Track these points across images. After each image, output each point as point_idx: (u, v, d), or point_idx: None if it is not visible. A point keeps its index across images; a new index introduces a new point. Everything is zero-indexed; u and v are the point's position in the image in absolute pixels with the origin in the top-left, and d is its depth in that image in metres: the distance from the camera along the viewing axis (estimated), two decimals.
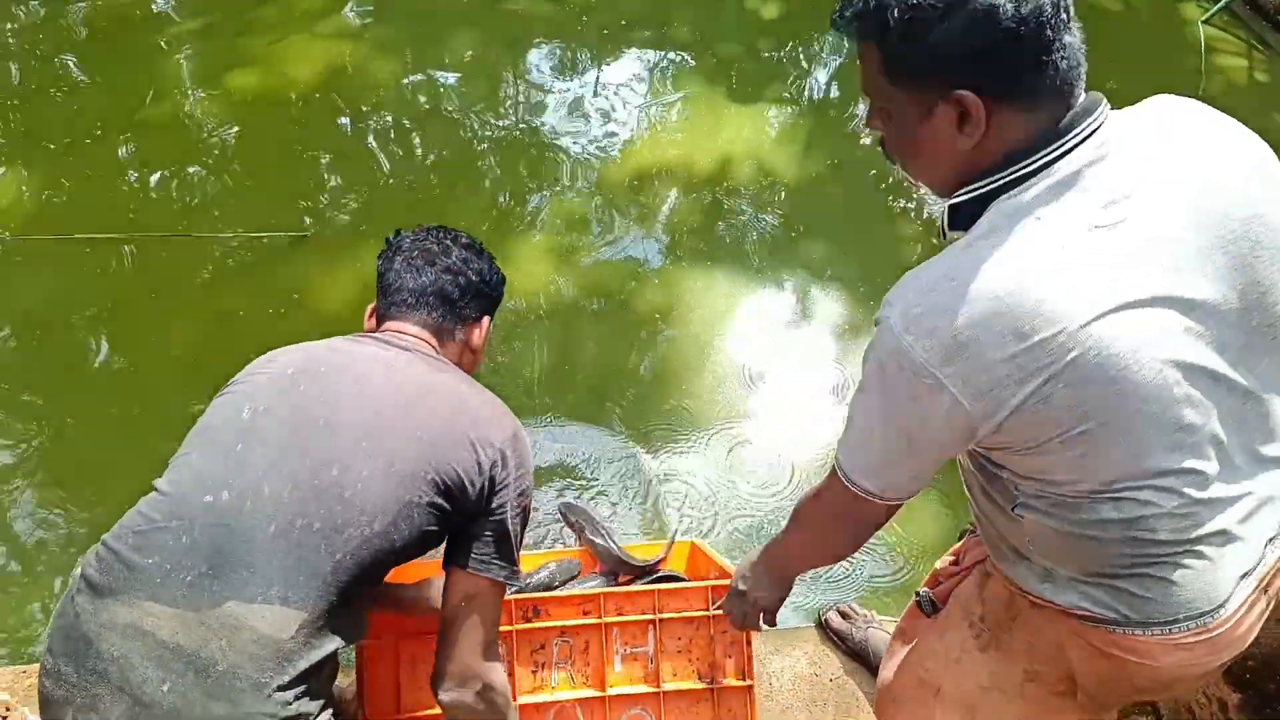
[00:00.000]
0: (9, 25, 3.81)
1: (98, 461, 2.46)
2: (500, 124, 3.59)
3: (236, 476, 1.19)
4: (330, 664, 1.21)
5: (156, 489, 1.23)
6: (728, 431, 2.63)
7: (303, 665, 1.15)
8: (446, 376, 1.37)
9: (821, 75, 3.96)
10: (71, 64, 3.66)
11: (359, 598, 1.25)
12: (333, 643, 1.19)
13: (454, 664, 1.30)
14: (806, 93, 3.85)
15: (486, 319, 1.53)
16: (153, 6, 3.95)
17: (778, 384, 2.76)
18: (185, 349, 2.70)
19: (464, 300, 1.47)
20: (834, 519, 1.17)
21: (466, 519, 1.30)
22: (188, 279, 2.89)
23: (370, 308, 1.51)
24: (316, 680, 1.18)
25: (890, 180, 3.39)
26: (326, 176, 3.32)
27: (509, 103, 3.69)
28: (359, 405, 1.27)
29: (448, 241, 1.50)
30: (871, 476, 1.06)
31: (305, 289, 2.87)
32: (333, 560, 1.18)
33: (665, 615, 1.68)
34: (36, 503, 2.38)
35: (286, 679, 1.13)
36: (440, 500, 1.26)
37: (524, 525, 1.37)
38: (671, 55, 3.95)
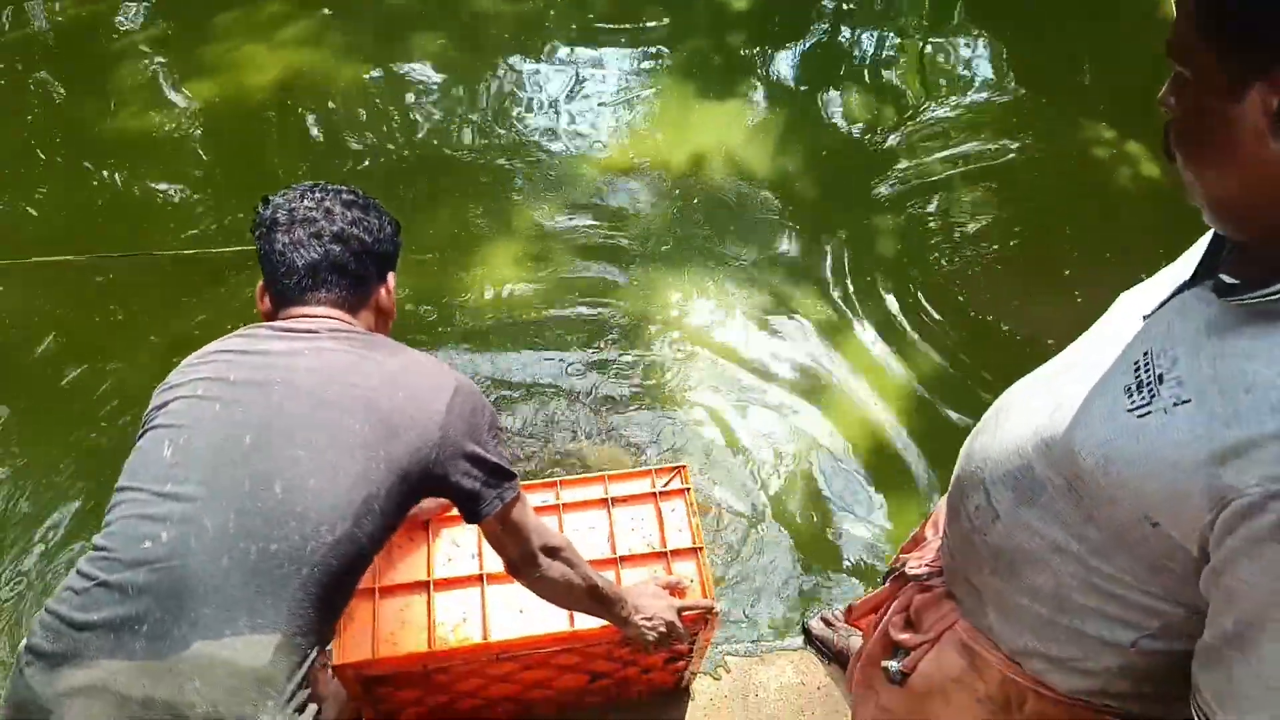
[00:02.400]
0: None
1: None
2: (468, 127, 3.52)
3: (173, 515, 1.12)
4: (312, 668, 1.17)
5: (95, 545, 1.16)
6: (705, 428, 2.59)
7: (285, 684, 1.11)
8: (370, 354, 1.27)
9: (790, 68, 3.91)
10: (30, 81, 3.57)
11: (337, 601, 1.20)
12: (314, 650, 1.15)
13: (523, 555, 1.37)
14: (777, 85, 3.81)
15: (391, 274, 1.44)
16: (114, 20, 3.85)
17: (757, 388, 2.72)
18: (146, 371, 2.61)
19: (361, 266, 1.36)
20: None
21: (440, 480, 1.25)
22: (147, 296, 2.82)
23: (260, 286, 1.39)
24: (302, 688, 1.14)
25: (865, 171, 3.34)
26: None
27: (476, 105, 3.63)
28: (286, 411, 1.19)
29: (327, 203, 1.36)
30: None
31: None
32: (299, 577, 1.12)
33: (615, 495, 1.82)
34: None
35: (271, 702, 1.08)
36: (400, 483, 1.21)
37: (500, 441, 1.36)
38: (645, 50, 3.90)
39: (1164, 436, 0.77)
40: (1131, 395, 0.82)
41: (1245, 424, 0.71)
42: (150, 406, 1.26)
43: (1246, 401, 0.71)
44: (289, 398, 1.20)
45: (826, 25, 4.16)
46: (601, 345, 2.81)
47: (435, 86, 3.65)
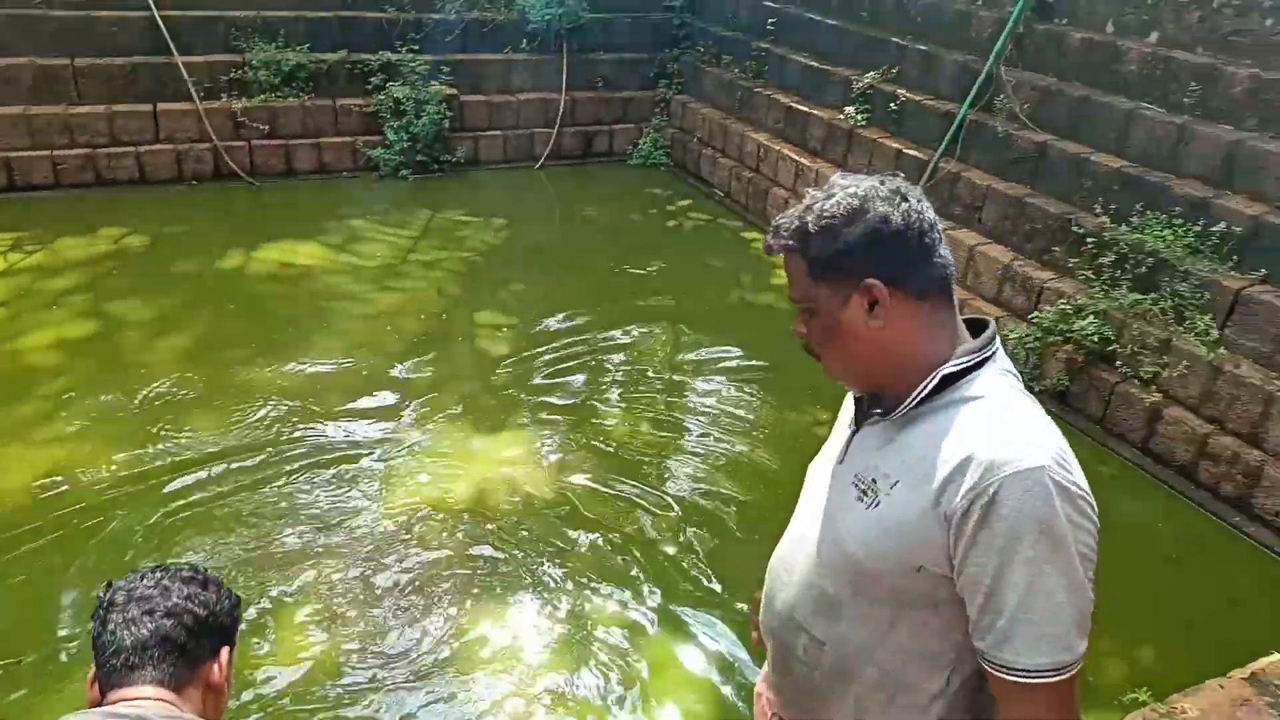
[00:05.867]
0: None
1: None
2: (233, 497, 3.87)
3: None
4: None
5: None
6: None
7: None
8: None
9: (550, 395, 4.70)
10: None
11: None
12: None
13: None
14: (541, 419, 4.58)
15: (225, 649, 1.41)
16: None
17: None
18: None
19: (194, 641, 1.35)
20: None
21: None
22: None
23: (90, 676, 1.37)
24: None
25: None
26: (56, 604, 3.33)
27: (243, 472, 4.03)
28: None
29: (165, 582, 1.38)
30: (1080, 639, 1.15)
31: None
32: None
33: None
34: None
35: None
36: None
37: None
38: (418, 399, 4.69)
39: (897, 510, 1.23)
40: (863, 500, 1.28)
41: (936, 475, 1.19)
42: None
43: (928, 463, 1.20)
44: None
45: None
46: None
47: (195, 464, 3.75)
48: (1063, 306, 5.03)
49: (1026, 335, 5.16)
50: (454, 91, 8.12)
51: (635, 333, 5.66)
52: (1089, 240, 5.09)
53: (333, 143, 7.85)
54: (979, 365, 1.26)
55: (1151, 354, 4.66)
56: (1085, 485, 1.18)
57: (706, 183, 8.41)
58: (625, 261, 6.75)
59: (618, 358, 5.39)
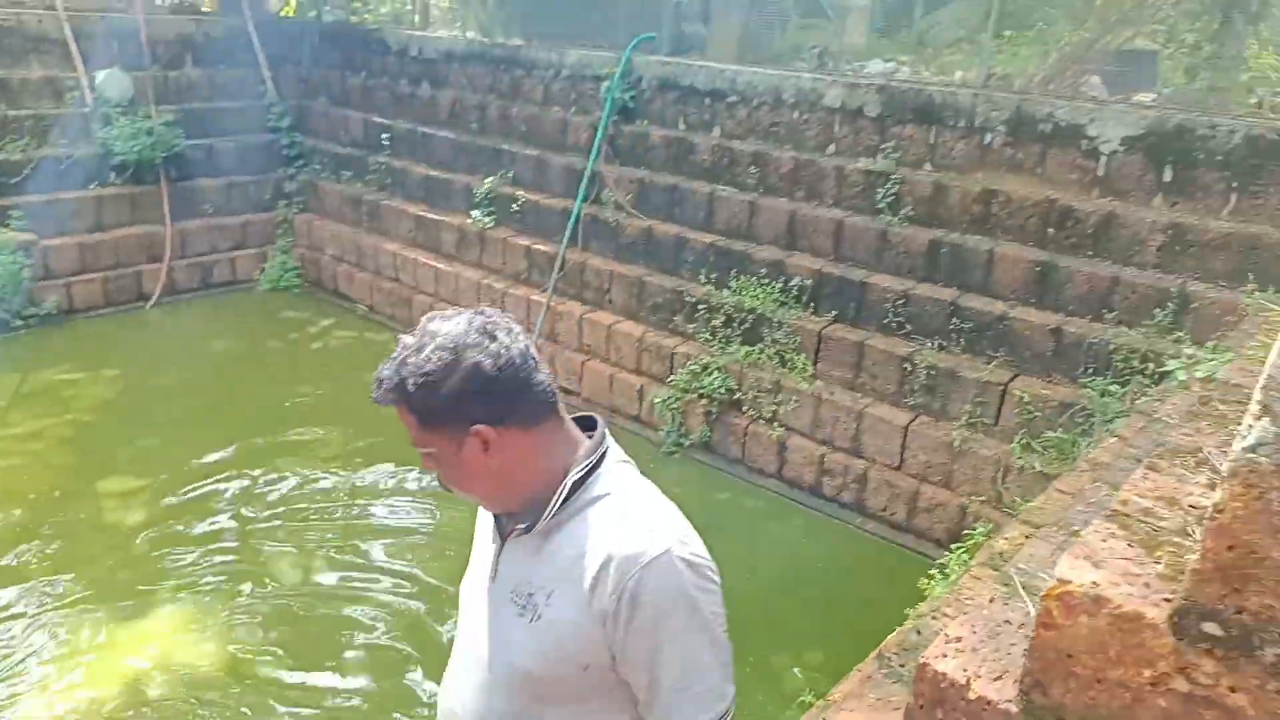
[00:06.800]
0: None
1: None
2: None
3: None
4: None
5: None
6: None
7: None
8: None
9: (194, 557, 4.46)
10: None
11: None
12: None
13: None
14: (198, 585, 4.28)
15: None
16: None
17: None
18: None
19: None
20: None
21: None
22: None
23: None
24: None
25: None
26: None
27: None
28: None
29: None
30: (729, 684, 1.34)
31: None
32: None
33: None
34: None
35: None
36: None
37: None
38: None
39: (558, 619, 1.33)
40: (524, 615, 1.37)
41: (585, 579, 1.30)
42: None
43: (576, 569, 1.31)
44: None
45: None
46: None
47: None
48: (692, 367, 5.66)
49: (669, 397, 5.71)
50: (32, 236, 7.16)
51: (296, 467, 5.34)
52: (700, 307, 5.80)
53: None
54: (599, 463, 1.39)
55: (768, 395, 5.41)
56: (704, 552, 1.35)
57: (347, 299, 8.24)
58: (271, 393, 6.37)
59: (277, 495, 5.03)
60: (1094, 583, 1.50)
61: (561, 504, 1.35)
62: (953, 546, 4.01)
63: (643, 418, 6.03)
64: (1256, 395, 1.33)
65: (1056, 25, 7.78)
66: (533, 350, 1.35)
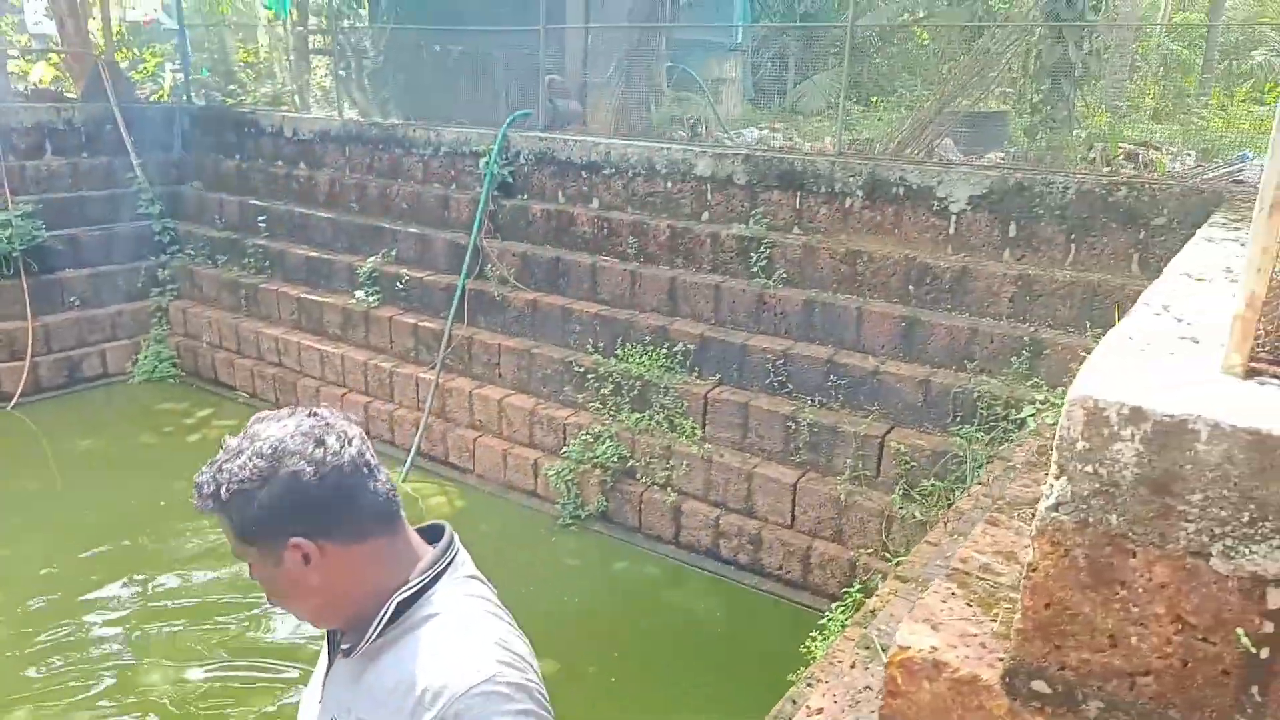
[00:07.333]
0: None
1: None
2: None
3: None
4: None
5: None
6: None
7: None
8: None
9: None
10: None
11: None
12: None
13: None
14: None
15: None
16: None
17: None
18: None
19: None
20: None
21: None
22: None
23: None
24: None
25: None
26: None
27: None
28: None
29: None
30: None
31: None
32: None
33: None
34: None
35: None
36: None
37: None
38: None
39: None
40: None
41: (405, 710, 1.21)
42: None
43: (395, 699, 1.23)
44: None
45: None
46: None
47: None
48: (585, 437, 5.65)
49: (563, 469, 5.67)
50: None
51: (189, 574, 5.03)
52: (589, 376, 5.82)
53: None
54: (434, 581, 1.29)
55: (660, 461, 5.43)
56: (530, 674, 1.27)
57: (228, 387, 7.92)
58: (147, 494, 6.02)
59: (171, 606, 4.73)
60: (933, 647, 1.54)
61: (386, 625, 1.26)
62: (833, 605, 4.07)
63: (539, 492, 5.96)
64: (1054, 455, 1.41)
65: (915, 91, 8.33)
66: (368, 456, 1.25)
